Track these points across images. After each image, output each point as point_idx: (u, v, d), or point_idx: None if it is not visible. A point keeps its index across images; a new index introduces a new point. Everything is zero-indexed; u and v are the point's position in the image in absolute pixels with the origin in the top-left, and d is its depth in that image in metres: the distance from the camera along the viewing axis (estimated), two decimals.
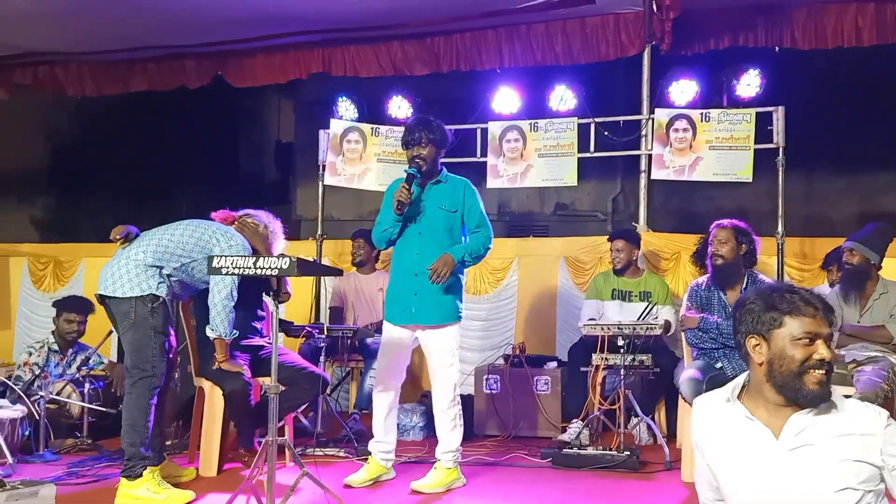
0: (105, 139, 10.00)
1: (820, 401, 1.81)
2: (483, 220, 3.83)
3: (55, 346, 4.91)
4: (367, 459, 3.87)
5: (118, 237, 3.66)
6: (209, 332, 3.72)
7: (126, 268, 3.52)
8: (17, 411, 4.18)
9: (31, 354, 4.88)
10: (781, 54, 5.66)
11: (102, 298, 3.57)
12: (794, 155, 5.43)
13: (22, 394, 4.23)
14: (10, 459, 3.82)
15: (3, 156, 9.76)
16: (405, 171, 3.72)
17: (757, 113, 5.33)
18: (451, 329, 3.74)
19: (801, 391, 1.81)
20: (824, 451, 1.77)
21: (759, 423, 1.85)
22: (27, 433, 4.24)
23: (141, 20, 5.69)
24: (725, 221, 4.27)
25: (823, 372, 1.80)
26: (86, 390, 4.55)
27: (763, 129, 5.33)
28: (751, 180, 5.38)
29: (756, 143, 5.31)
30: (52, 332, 4.98)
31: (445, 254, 3.65)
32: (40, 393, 4.29)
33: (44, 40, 6.23)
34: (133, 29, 5.88)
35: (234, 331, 3.74)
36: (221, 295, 3.64)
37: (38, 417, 4.24)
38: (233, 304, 3.68)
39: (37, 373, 4.66)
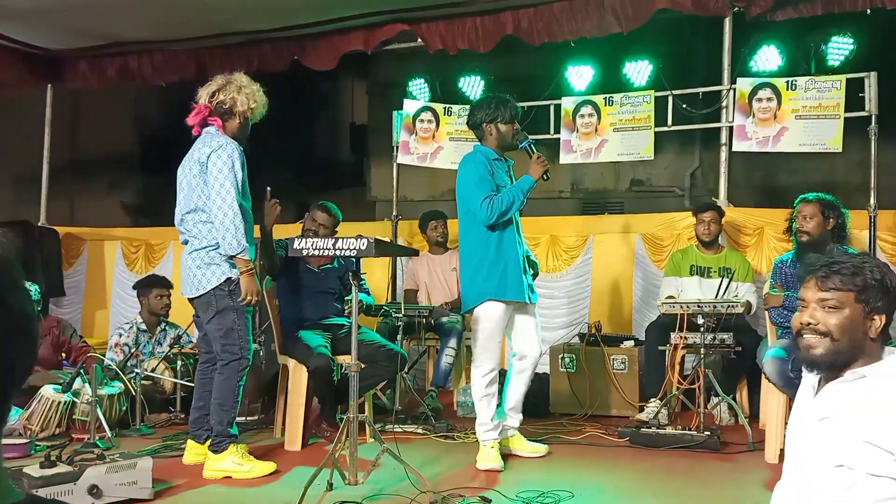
0: (191, 125, 10.31)
1: (810, 367, 1.81)
2: None
3: (143, 326, 5.14)
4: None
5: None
6: (226, 251, 3.46)
7: (193, 265, 3.53)
8: (115, 388, 4.43)
9: (120, 336, 5.10)
10: (873, 16, 5.34)
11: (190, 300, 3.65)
12: (888, 123, 5.15)
13: (119, 371, 4.45)
14: (109, 433, 4.04)
15: (95, 143, 10.23)
16: (527, 142, 3.80)
17: (848, 79, 5.07)
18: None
19: (798, 357, 1.83)
20: (840, 424, 1.71)
21: (814, 390, 1.85)
22: (124, 408, 4.48)
23: (220, 7, 5.84)
24: (811, 195, 4.10)
25: (811, 337, 1.77)
26: (178, 367, 4.77)
27: (854, 96, 5.06)
28: (840, 150, 5.13)
29: (846, 111, 5.06)
30: (139, 313, 5.21)
31: None
32: (136, 370, 4.52)
33: (129, 30, 6.49)
34: (215, 16, 6.05)
35: (247, 244, 3.48)
36: (222, 211, 3.42)
37: (134, 393, 4.47)
38: (237, 218, 3.43)
39: (127, 353, 4.89)
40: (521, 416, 3.94)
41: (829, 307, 1.77)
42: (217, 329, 3.54)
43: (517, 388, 3.89)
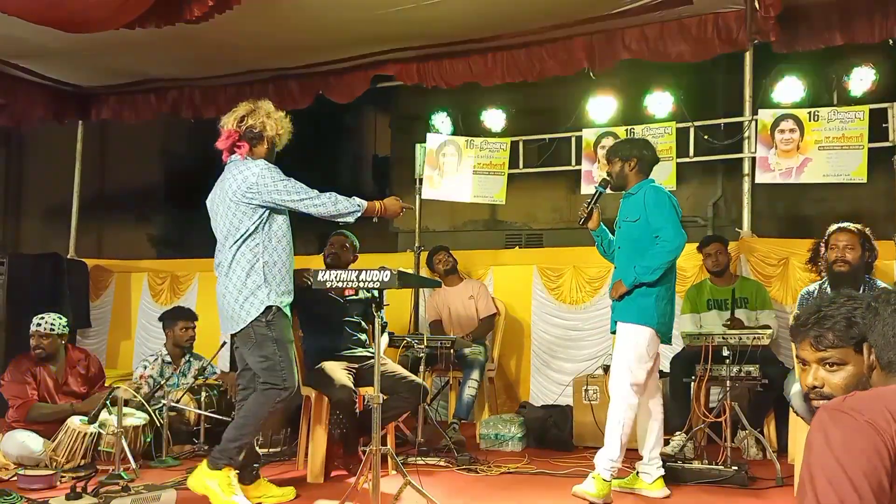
0: (217, 159, 10.50)
1: None
2: (664, 224, 3.70)
3: (168, 358, 5.16)
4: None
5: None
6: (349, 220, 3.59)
7: (231, 299, 3.41)
8: (140, 419, 4.45)
9: (146, 367, 5.11)
10: None
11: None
12: None
13: (144, 402, 4.48)
14: (133, 465, 4.04)
15: (123, 178, 10.43)
16: (599, 188, 4.01)
17: (871, 110, 5.05)
18: (626, 328, 3.78)
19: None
20: None
21: None
22: (149, 440, 4.50)
23: (250, 46, 5.99)
24: (850, 225, 4.04)
25: (820, 402, 1.69)
26: (202, 399, 4.78)
27: (878, 126, 5.04)
28: (865, 181, 5.09)
29: (870, 141, 5.03)
30: (164, 345, 5.23)
31: (618, 281, 3.79)
32: (162, 402, 4.55)
33: (157, 68, 6.66)
34: (243, 54, 6.20)
35: (357, 202, 3.58)
36: (315, 210, 3.53)
37: (159, 425, 4.50)
38: (323, 195, 3.57)
39: (153, 385, 4.90)
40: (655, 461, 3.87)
41: (830, 366, 1.71)
42: (258, 363, 3.40)
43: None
